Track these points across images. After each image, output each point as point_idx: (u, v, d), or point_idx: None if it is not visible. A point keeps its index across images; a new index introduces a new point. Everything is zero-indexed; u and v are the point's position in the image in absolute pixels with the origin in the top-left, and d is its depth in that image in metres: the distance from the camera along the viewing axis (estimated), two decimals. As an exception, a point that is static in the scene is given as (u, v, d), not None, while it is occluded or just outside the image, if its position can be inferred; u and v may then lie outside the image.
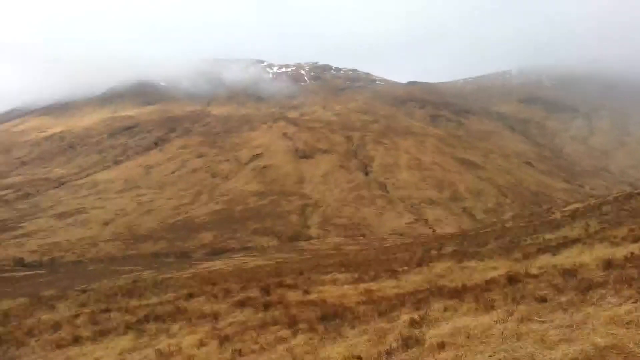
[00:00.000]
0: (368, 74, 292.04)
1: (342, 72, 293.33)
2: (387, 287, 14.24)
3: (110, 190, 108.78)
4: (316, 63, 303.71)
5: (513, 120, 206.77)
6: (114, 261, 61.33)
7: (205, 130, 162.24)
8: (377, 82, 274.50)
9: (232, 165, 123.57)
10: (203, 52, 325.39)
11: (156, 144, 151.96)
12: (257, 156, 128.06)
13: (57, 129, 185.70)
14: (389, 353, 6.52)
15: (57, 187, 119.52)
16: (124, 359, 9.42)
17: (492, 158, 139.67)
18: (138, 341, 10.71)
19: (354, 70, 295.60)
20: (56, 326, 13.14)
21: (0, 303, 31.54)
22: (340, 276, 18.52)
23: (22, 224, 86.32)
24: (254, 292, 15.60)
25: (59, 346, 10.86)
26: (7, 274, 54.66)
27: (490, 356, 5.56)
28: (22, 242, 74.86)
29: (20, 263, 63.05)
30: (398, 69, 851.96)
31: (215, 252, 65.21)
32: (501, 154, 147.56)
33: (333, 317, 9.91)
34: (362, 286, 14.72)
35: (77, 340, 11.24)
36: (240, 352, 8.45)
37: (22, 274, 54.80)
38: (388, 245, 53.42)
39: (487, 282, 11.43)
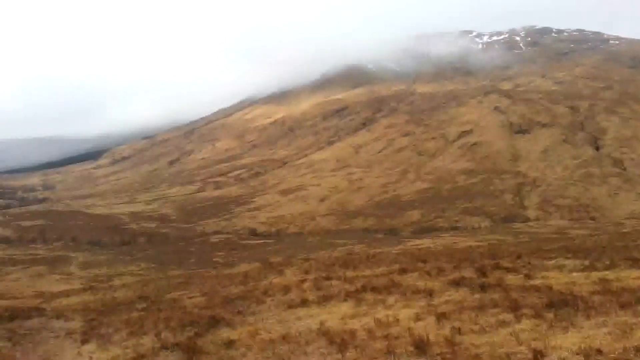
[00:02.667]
0: (598, 33, 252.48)
1: (565, 34, 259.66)
2: (628, 277, 12.15)
3: (325, 169, 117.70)
4: (533, 27, 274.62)
5: None
6: (329, 234, 66.49)
7: (411, 109, 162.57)
8: (610, 41, 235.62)
9: (438, 143, 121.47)
10: (408, 29, 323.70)
11: (364, 124, 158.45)
12: (465, 133, 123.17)
13: (280, 115, 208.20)
14: (638, 350, 5.45)
15: (280, 166, 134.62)
16: (346, 324, 9.86)
17: None
18: (357, 309, 11.14)
19: (579, 31, 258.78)
20: (286, 289, 14.58)
21: (239, 266, 37.20)
22: (567, 262, 16.53)
23: (254, 199, 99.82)
24: (468, 273, 14.94)
25: (290, 307, 12.00)
26: (243, 242, 64.11)
27: None
28: (254, 215, 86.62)
29: (253, 233, 73.10)
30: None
31: (423, 230, 65.29)
32: None
33: (562, 305, 8.91)
34: (595, 275, 12.85)
35: (304, 302, 12.27)
36: (459, 331, 8.15)
37: (254, 242, 63.52)
38: (626, 230, 45.96)
39: None
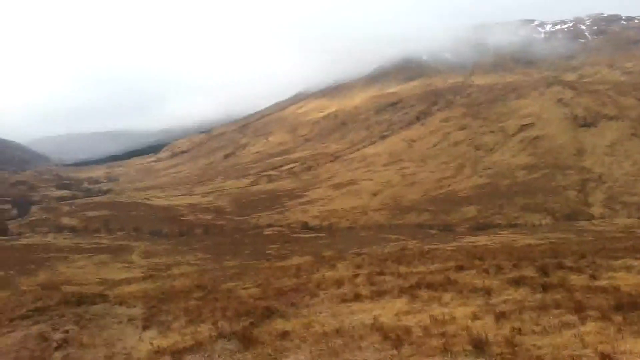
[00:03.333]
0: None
1: (635, 21, 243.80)
2: (702, 279, 11.32)
3: (377, 163, 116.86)
4: (601, 14, 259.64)
5: None
6: (381, 229, 66.02)
7: (467, 102, 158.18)
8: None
9: (497, 137, 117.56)
10: (466, 19, 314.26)
11: (418, 118, 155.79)
12: (526, 126, 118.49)
13: (332, 109, 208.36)
14: None
15: (332, 160, 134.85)
16: (400, 320, 9.74)
17: None
18: (412, 305, 10.98)
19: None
20: (339, 283, 14.56)
21: (292, 259, 37.63)
22: (636, 263, 15.54)
23: (306, 193, 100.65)
24: (529, 272, 14.38)
25: (343, 301, 11.98)
26: (295, 235, 64.85)
27: None
28: (306, 209, 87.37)
29: (305, 226, 73.80)
30: None
31: (480, 227, 63.53)
32: None
33: (631, 308, 8.45)
34: (671, 277, 12.01)
35: (357, 297, 12.21)
36: (520, 331, 7.88)
37: (306, 235, 64.08)
38: None
39: None
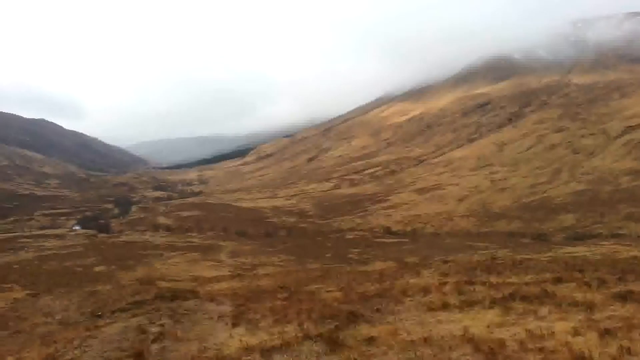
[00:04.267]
0: None
1: None
2: None
3: (464, 168, 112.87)
4: None
5: None
6: (468, 236, 63.53)
7: (564, 102, 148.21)
8: None
9: (598, 140, 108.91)
10: (563, 14, 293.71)
11: (509, 120, 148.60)
12: (631, 128, 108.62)
13: (417, 112, 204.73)
14: None
15: (416, 164, 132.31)
16: (492, 332, 9.30)
17: None
18: (505, 317, 10.51)
19: None
20: (425, 291, 14.16)
21: (374, 263, 37.29)
22: None
23: (389, 197, 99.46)
24: (636, 286, 13.17)
25: (430, 309, 11.63)
26: (378, 240, 64.20)
27: None
28: (389, 213, 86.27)
29: (387, 231, 72.84)
30: None
31: (578, 237, 59.05)
32: None
33: None
34: None
35: (445, 306, 11.80)
36: (629, 351, 7.23)
37: (389, 240, 63.20)
38: None
39: None
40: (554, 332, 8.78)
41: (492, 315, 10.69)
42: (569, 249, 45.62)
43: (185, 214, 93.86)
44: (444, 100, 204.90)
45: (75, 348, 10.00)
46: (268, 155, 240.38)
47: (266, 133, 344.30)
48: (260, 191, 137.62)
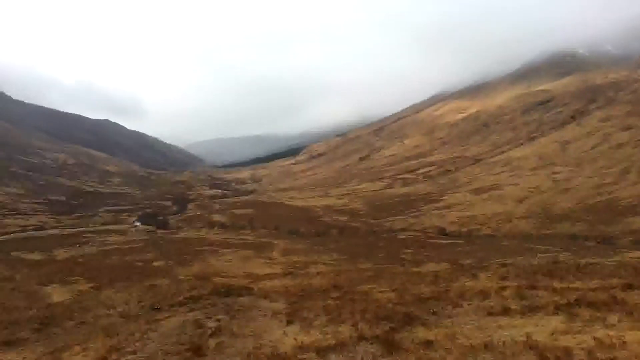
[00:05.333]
0: None
1: None
2: None
3: (524, 167, 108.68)
4: None
5: None
6: (528, 239, 61.03)
7: (633, 98, 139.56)
8: None
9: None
10: (632, 6, 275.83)
11: (573, 117, 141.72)
12: None
13: (473, 110, 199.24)
14: None
15: (473, 164, 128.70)
16: (557, 340, 8.85)
17: None
18: (570, 324, 10.00)
19: None
20: (484, 294, 13.69)
21: (428, 265, 36.50)
22: None
23: (443, 197, 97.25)
24: None
25: (489, 314, 11.21)
26: (431, 241, 62.85)
27: None
28: (443, 214, 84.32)
29: (441, 232, 71.13)
30: None
31: (647, 241, 55.36)
32: None
33: None
34: None
35: (506, 311, 11.35)
36: None
37: (443, 241, 61.70)
38: None
39: None
40: (625, 342, 8.25)
41: (556, 321, 10.20)
42: (638, 253, 42.89)
43: (239, 211, 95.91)
44: (502, 98, 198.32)
45: (137, 340, 10.35)
46: (319, 155, 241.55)
47: (317, 132, 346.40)
48: (312, 190, 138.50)
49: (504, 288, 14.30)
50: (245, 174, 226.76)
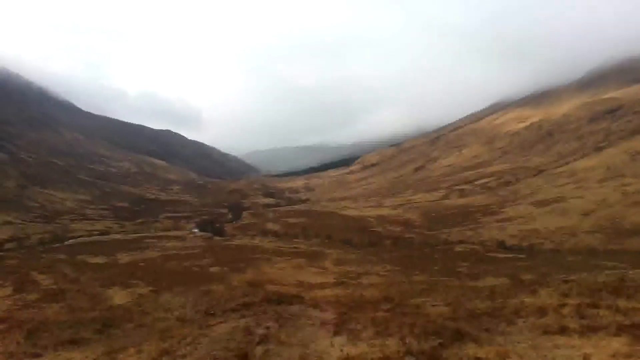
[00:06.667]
0: None
1: None
2: None
3: (590, 179, 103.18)
4: None
5: None
6: (593, 254, 57.74)
7: None
8: None
9: None
10: None
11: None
12: None
13: (535, 118, 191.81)
14: None
15: (535, 175, 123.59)
16: (617, 363, 8.30)
17: None
18: (633, 347, 9.35)
19: None
20: (541, 312, 13.08)
21: (485, 279, 35.25)
22: None
23: (503, 209, 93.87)
24: None
25: (545, 332, 10.70)
26: (490, 254, 60.72)
27: None
28: (502, 226, 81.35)
29: (501, 245, 68.58)
30: None
31: None
32: None
33: None
34: None
35: (563, 330, 10.79)
36: None
37: (502, 255, 59.44)
38: None
39: None
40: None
41: (618, 343, 9.56)
42: None
43: (292, 220, 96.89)
44: (566, 106, 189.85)
45: (188, 345, 10.66)
46: (373, 165, 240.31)
47: (370, 142, 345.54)
48: (366, 200, 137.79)
49: (563, 305, 13.61)
50: (298, 183, 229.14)
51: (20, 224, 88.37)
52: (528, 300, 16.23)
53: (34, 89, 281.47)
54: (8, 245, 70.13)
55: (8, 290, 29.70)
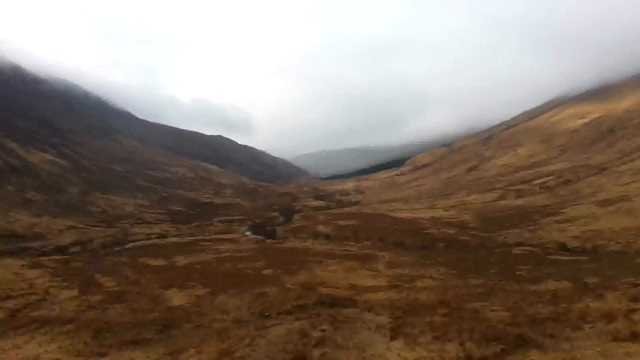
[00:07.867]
0: None
1: None
2: None
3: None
4: None
5: None
6: (664, 256, 54.14)
7: None
8: None
9: None
10: None
11: None
12: None
13: (596, 115, 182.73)
14: None
15: (597, 173, 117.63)
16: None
17: None
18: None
19: None
20: (609, 317, 12.39)
21: (546, 283, 33.77)
22: None
23: (563, 210, 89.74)
24: None
25: (615, 339, 10.11)
26: (551, 257, 58.07)
27: None
28: (563, 228, 77.74)
29: (562, 247, 65.46)
30: None
31: None
32: None
33: None
34: None
35: (635, 337, 10.16)
36: None
37: (564, 258, 56.71)
38: None
39: None
40: None
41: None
42: None
43: (342, 223, 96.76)
44: (629, 100, 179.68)
45: (246, 346, 10.81)
46: (424, 165, 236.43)
47: (421, 143, 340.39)
48: (417, 202, 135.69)
49: (633, 311, 12.82)
50: (348, 185, 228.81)
51: (83, 228, 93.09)
52: (594, 304, 15.44)
53: (92, 98, 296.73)
54: (73, 249, 73.92)
55: (74, 292, 31.28)
